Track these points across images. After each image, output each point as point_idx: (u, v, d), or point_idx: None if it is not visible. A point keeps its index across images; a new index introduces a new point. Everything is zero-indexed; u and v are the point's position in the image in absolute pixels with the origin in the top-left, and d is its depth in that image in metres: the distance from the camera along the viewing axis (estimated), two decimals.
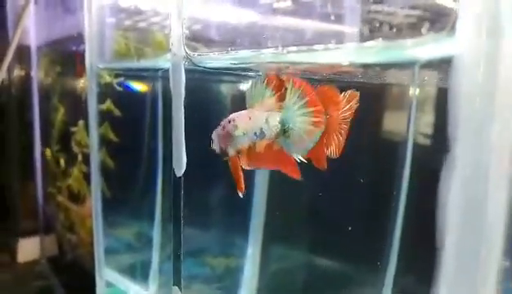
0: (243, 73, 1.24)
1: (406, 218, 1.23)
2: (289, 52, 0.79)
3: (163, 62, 1.15)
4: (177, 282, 1.17)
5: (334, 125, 0.80)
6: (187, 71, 1.07)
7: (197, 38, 1.38)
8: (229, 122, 0.77)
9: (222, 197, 1.60)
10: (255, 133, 0.77)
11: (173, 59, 1.07)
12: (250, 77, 1.35)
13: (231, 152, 0.78)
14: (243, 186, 0.80)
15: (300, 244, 1.55)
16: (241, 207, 1.58)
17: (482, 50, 0.53)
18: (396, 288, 1.28)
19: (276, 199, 1.55)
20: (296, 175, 0.79)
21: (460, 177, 0.55)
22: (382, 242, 1.34)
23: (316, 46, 0.75)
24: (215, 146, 0.79)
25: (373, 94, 1.16)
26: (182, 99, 1.06)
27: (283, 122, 0.77)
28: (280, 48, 0.77)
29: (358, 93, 0.81)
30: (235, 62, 1.03)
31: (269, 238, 1.56)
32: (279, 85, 0.78)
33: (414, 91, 1.01)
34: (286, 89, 0.76)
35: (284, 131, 0.77)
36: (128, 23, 1.76)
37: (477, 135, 0.55)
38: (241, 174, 0.80)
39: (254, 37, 1.03)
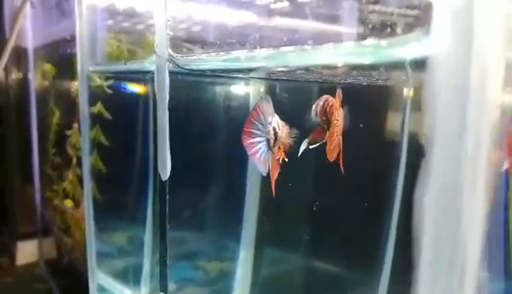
0: (232, 75, 1.23)
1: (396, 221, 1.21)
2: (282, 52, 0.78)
3: (150, 64, 1.13)
4: (163, 288, 1.16)
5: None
6: (173, 73, 1.06)
7: (189, 40, 1.38)
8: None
9: (215, 200, 1.59)
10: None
11: (158, 61, 1.06)
12: (241, 78, 1.33)
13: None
14: None
15: (293, 247, 1.54)
16: (234, 211, 1.56)
17: (457, 50, 0.51)
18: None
19: (268, 202, 1.53)
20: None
21: (435, 181, 0.53)
22: (374, 244, 1.32)
23: (311, 47, 0.73)
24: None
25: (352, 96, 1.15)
26: (167, 102, 1.05)
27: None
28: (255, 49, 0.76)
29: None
30: (225, 64, 1.01)
31: (262, 241, 1.54)
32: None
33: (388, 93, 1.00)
34: None
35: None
36: (120, 25, 1.75)
37: (452, 138, 0.52)
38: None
39: (244, 39, 1.01)
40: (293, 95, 1.34)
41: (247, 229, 1.54)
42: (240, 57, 0.89)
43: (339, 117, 0.84)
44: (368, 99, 1.03)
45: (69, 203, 2.19)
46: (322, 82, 1.16)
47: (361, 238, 1.28)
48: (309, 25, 0.86)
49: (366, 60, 0.64)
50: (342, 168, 0.92)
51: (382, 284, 1.26)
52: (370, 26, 0.69)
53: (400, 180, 1.06)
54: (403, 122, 1.01)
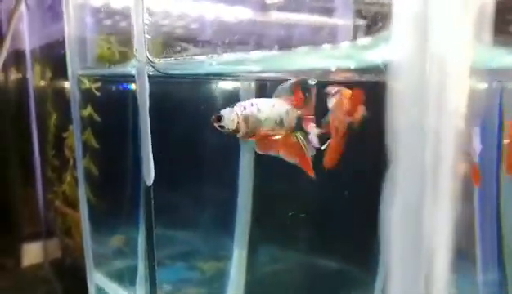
0: (213, 79, 1.21)
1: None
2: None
3: (131, 68, 1.12)
4: (153, 291, 1.16)
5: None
6: (155, 77, 1.05)
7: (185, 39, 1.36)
8: (251, 104, 0.81)
9: (207, 200, 1.58)
10: (275, 121, 0.80)
11: (137, 65, 1.05)
12: (224, 81, 1.32)
13: (242, 136, 0.81)
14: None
15: (287, 246, 1.53)
16: (226, 210, 1.56)
17: (415, 54, 0.49)
18: None
19: (261, 200, 1.53)
20: (311, 172, 0.82)
21: (400, 194, 0.52)
22: (370, 243, 1.31)
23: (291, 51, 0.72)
24: (227, 123, 0.80)
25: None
26: (147, 106, 1.04)
27: (299, 120, 0.82)
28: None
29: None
30: (210, 68, 0.99)
31: (255, 240, 1.53)
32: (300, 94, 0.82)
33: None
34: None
35: (302, 128, 0.82)
36: (110, 26, 1.74)
37: (414, 147, 0.51)
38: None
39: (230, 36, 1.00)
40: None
41: (240, 228, 1.53)
42: (224, 61, 0.87)
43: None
44: None
45: (68, 202, 2.20)
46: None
47: (360, 237, 1.27)
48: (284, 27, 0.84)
49: (345, 64, 0.62)
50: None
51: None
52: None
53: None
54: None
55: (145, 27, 1.01)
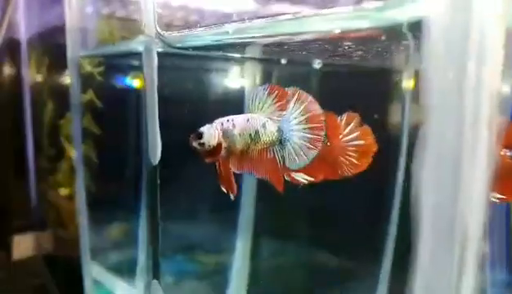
0: (225, 55, 1.18)
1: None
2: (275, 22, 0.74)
3: (138, 45, 1.09)
4: (156, 276, 1.12)
5: (338, 147, 0.79)
6: (164, 55, 1.01)
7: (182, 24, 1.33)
8: (227, 120, 0.78)
9: (211, 193, 1.55)
10: (250, 135, 0.77)
11: (145, 40, 1.01)
12: (233, 58, 1.29)
13: (223, 153, 0.78)
14: (235, 189, 0.80)
15: (290, 239, 1.50)
16: (230, 203, 1.52)
17: (453, 11, 0.46)
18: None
19: (265, 195, 1.49)
20: (280, 188, 0.79)
21: (432, 154, 0.49)
22: (374, 230, 1.29)
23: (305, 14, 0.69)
24: (208, 139, 0.77)
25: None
26: (155, 83, 1.00)
27: (280, 132, 0.78)
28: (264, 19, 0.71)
29: (357, 115, 0.79)
30: (217, 38, 0.95)
31: (259, 233, 1.50)
32: (281, 95, 0.77)
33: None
34: (288, 101, 0.77)
35: (280, 141, 0.78)
36: (111, 11, 1.70)
37: (450, 105, 0.48)
38: (233, 178, 0.80)
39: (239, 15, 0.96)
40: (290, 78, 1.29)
41: (243, 220, 1.50)
42: (232, 30, 0.84)
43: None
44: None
45: (62, 192, 2.15)
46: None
47: (361, 229, 1.25)
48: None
49: (364, 25, 0.59)
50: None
51: (384, 267, 1.22)
52: None
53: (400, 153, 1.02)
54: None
55: (155, 1, 0.98)
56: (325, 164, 0.79)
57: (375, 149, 0.79)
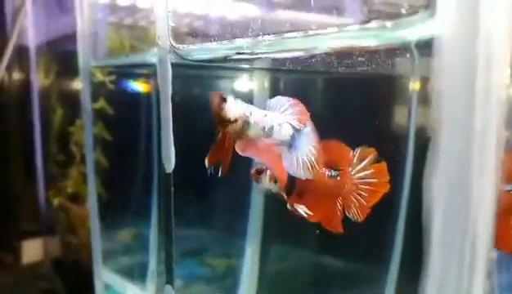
0: (236, 66, 1.21)
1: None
2: (285, 38, 0.77)
3: (151, 57, 1.12)
4: (169, 281, 1.15)
5: (349, 184, 0.78)
6: (177, 65, 1.05)
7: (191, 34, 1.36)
8: (247, 106, 0.80)
9: (220, 197, 1.57)
10: (264, 128, 0.78)
11: (160, 52, 1.05)
12: (244, 69, 1.32)
13: (235, 128, 0.78)
14: (227, 165, 0.82)
15: (299, 244, 1.52)
16: (240, 207, 1.55)
17: (463, 28, 0.50)
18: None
19: (274, 200, 1.52)
20: (283, 178, 0.80)
21: (444, 163, 0.52)
22: (383, 236, 1.30)
23: (315, 31, 0.72)
24: (229, 107, 0.78)
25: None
26: (170, 93, 1.03)
27: (293, 138, 0.78)
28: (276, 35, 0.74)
29: (373, 150, 0.77)
30: (229, 52, 0.98)
31: (268, 237, 1.52)
32: (303, 112, 0.78)
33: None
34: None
35: (290, 146, 0.78)
36: (122, 20, 1.74)
37: (461, 119, 0.51)
38: (230, 155, 0.81)
39: (250, 26, 0.99)
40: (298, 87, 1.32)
41: (253, 224, 1.52)
42: (244, 45, 0.87)
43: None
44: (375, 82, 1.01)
45: (72, 198, 2.18)
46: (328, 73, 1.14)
47: (371, 232, 1.26)
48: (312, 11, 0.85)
49: (371, 43, 0.62)
50: None
51: (391, 272, 1.24)
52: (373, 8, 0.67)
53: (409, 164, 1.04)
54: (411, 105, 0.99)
55: (169, 14, 1.01)
56: (329, 201, 0.79)
57: (386, 189, 0.76)
